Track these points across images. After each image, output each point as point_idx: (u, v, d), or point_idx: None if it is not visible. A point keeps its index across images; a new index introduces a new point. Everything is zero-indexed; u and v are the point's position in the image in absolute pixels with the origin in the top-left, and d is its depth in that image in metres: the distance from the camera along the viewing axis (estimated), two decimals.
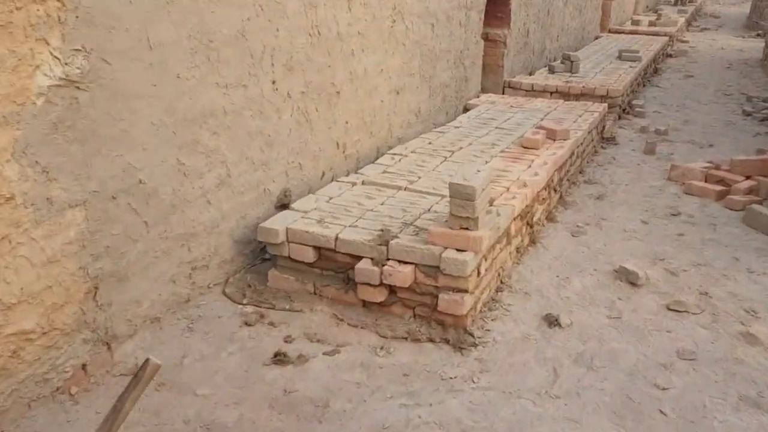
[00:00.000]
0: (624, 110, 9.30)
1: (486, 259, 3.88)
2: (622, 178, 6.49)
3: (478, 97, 8.18)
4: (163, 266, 3.63)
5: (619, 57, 11.40)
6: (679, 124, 8.81)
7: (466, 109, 7.77)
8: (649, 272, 4.46)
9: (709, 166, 6.48)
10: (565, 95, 8.90)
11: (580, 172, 6.65)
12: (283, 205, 4.51)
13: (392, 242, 3.74)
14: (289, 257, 4.02)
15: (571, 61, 9.91)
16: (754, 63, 14.60)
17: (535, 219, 5.00)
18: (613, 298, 4.12)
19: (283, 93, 4.41)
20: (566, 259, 4.66)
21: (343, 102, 5.17)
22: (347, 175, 5.11)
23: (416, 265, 3.71)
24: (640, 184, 6.35)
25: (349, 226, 3.99)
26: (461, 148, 5.78)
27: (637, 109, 9.39)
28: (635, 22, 17.55)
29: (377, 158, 5.65)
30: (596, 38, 14.94)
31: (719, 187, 5.95)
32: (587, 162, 6.96)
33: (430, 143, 5.91)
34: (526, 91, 9.09)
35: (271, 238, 3.96)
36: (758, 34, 19.99)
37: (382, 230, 3.88)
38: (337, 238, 3.86)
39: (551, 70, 10.00)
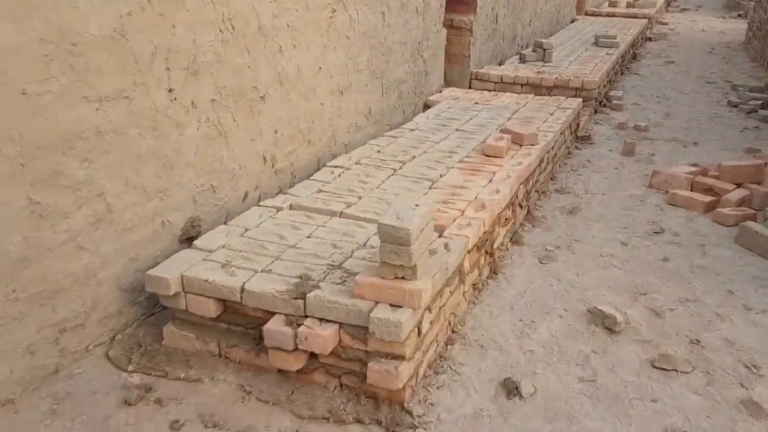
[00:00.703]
0: (600, 103, 8.57)
1: (430, 311, 3.13)
2: (598, 186, 5.76)
3: (440, 92, 7.40)
4: (14, 335, 2.84)
5: (596, 43, 10.66)
6: (660, 118, 8.10)
7: (427, 106, 6.99)
8: (630, 312, 3.74)
9: (694, 172, 5.77)
10: (536, 88, 8.15)
11: (552, 179, 5.91)
12: (190, 238, 3.73)
13: (310, 295, 2.98)
14: (187, 310, 3.24)
15: (544, 49, 9.15)
16: (737, 46, 13.95)
17: (496, 245, 4.25)
18: (587, 351, 3.40)
19: (184, 103, 3.60)
20: (532, 296, 3.92)
21: (269, 108, 4.37)
22: (277, 194, 4.33)
23: (341, 324, 2.96)
24: (619, 193, 5.63)
25: (262, 270, 3.22)
26: (414, 157, 5.02)
27: (615, 101, 8.66)
28: (613, 4, 16.82)
29: (318, 169, 4.88)
30: (572, 21, 14.19)
31: (707, 198, 5.24)
32: (559, 166, 6.23)
33: (379, 151, 5.13)
34: (495, 83, 8.33)
35: (161, 289, 3.18)
36: (739, 15, 19.36)
37: (300, 277, 3.12)
38: (243, 290, 3.08)
39: (522, 59, 9.23)
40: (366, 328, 2.88)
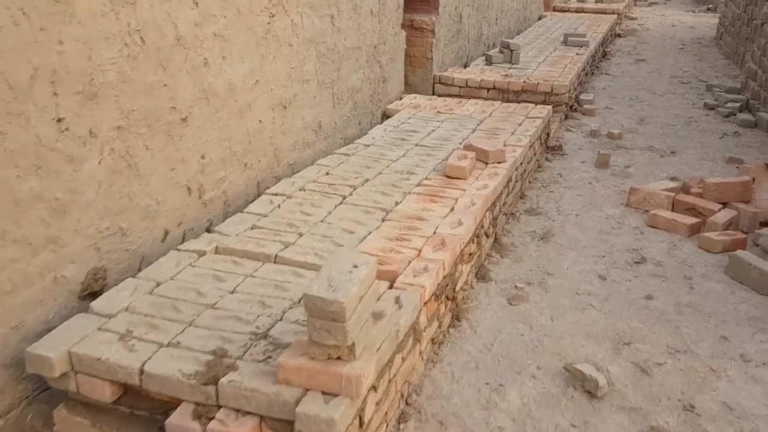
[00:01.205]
0: (571, 107, 8.08)
1: (376, 389, 2.57)
2: (572, 205, 5.25)
3: (400, 99, 6.83)
4: None
5: (565, 42, 10.17)
6: (634, 124, 7.63)
7: (386, 116, 6.42)
8: (613, 369, 3.22)
9: (674, 188, 5.28)
10: (503, 92, 7.62)
11: (521, 197, 5.38)
12: (93, 294, 3.12)
13: (224, 380, 2.40)
14: (79, 392, 2.64)
15: (511, 50, 8.63)
16: (708, 42, 13.59)
17: (459, 286, 3.71)
18: (565, 425, 2.86)
19: (80, 133, 2.98)
20: (501, 349, 3.38)
21: (194, 131, 3.76)
22: (205, 232, 3.74)
23: (262, 418, 2.38)
24: (594, 212, 5.12)
25: (168, 343, 2.63)
26: (367, 180, 4.45)
27: (586, 105, 8.17)
28: None
29: (259, 194, 4.29)
30: (540, 18, 13.71)
31: (691, 220, 4.75)
32: (529, 182, 5.71)
33: (327, 173, 4.56)
34: (460, 87, 7.79)
35: (44, 369, 2.57)
36: (708, 9, 19.09)
37: (214, 353, 2.53)
38: (142, 371, 2.49)
39: (488, 61, 8.70)
40: (293, 423, 2.31)
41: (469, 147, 4.92)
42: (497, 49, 9.05)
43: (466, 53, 8.96)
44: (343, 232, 3.63)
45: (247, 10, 4.10)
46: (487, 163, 4.79)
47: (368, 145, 5.21)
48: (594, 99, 8.46)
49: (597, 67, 10.75)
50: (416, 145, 5.26)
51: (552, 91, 7.51)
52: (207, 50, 3.79)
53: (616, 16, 14.20)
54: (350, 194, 4.20)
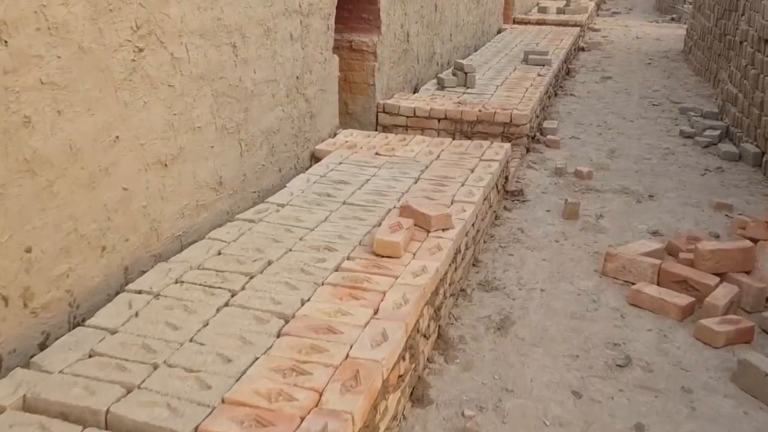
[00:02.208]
0: (533, 138, 7.13)
1: None
2: (536, 275, 4.27)
3: (334, 137, 5.80)
4: None
5: (525, 60, 9.25)
6: (604, 157, 6.71)
7: (315, 158, 5.39)
8: None
9: (658, 250, 4.35)
10: (456, 122, 6.66)
11: (474, 264, 4.39)
12: None
13: None
14: None
15: (465, 73, 7.66)
16: (676, 56, 12.84)
17: (383, 430, 2.67)
18: None
19: None
20: None
21: (9, 216, 2.68)
22: (33, 355, 2.67)
23: None
24: (563, 286, 4.14)
25: None
26: (270, 263, 3.41)
27: (550, 136, 7.24)
28: (542, 10, 15.58)
29: (126, 284, 3.23)
30: (499, 32, 12.83)
31: (683, 299, 3.80)
32: (484, 241, 4.71)
33: (220, 252, 3.51)
34: (407, 116, 6.80)
35: None
36: (672, 19, 18.47)
37: None
38: None
39: (441, 85, 7.73)
40: None
41: (406, 210, 3.90)
42: (450, 71, 8.08)
43: (415, 76, 7.97)
44: (217, 361, 2.58)
45: (97, 45, 3.03)
46: (429, 231, 3.78)
47: (282, 206, 4.17)
48: (558, 127, 7.54)
49: (560, 86, 9.86)
50: (343, 203, 4.23)
51: (511, 121, 6.56)
52: (28, 105, 2.71)
53: (579, 28, 13.39)
54: (242, 288, 3.16)
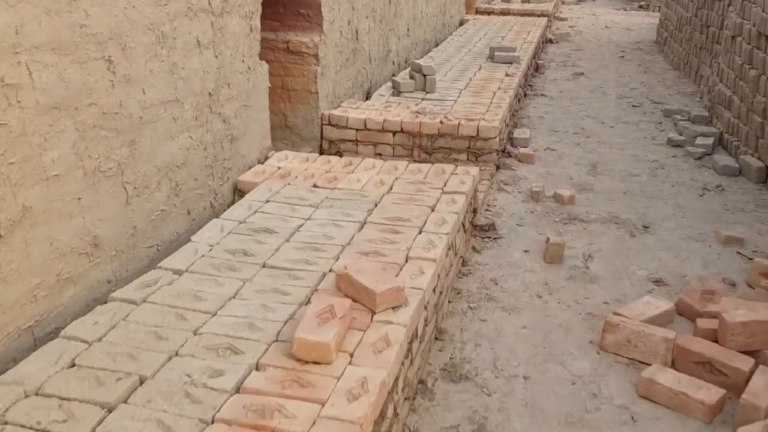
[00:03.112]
0: (503, 151, 6.17)
1: None
2: (516, 353, 3.31)
3: (264, 160, 4.76)
4: None
5: (491, 57, 8.28)
6: (586, 174, 5.78)
7: (239, 192, 4.35)
8: None
9: (668, 312, 3.42)
10: (414, 137, 5.67)
11: (437, 337, 3.40)
12: None
13: None
14: None
15: (424, 75, 6.66)
16: (649, 47, 12.01)
17: None
18: None
19: None
20: None
21: None
22: None
23: None
24: (552, 369, 3.19)
25: None
26: (141, 381, 2.38)
27: (522, 148, 6.29)
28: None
29: None
30: (461, 24, 11.84)
31: (710, 395, 2.88)
32: (450, 301, 3.73)
33: (73, 363, 2.48)
34: (357, 129, 5.78)
35: None
36: (641, 6, 17.70)
37: None
38: None
39: (396, 89, 6.72)
40: None
41: (343, 281, 2.91)
42: (407, 72, 7.08)
43: (367, 78, 6.95)
44: None
45: None
46: (374, 312, 2.79)
47: (180, 273, 3.14)
48: (531, 136, 6.59)
49: (530, 85, 8.92)
50: (263, 265, 3.22)
51: (478, 134, 5.58)
52: None
53: (546, 18, 12.46)
54: (106, 416, 2.13)
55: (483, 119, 5.71)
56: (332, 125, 5.84)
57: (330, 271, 3.17)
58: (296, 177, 4.38)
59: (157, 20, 3.43)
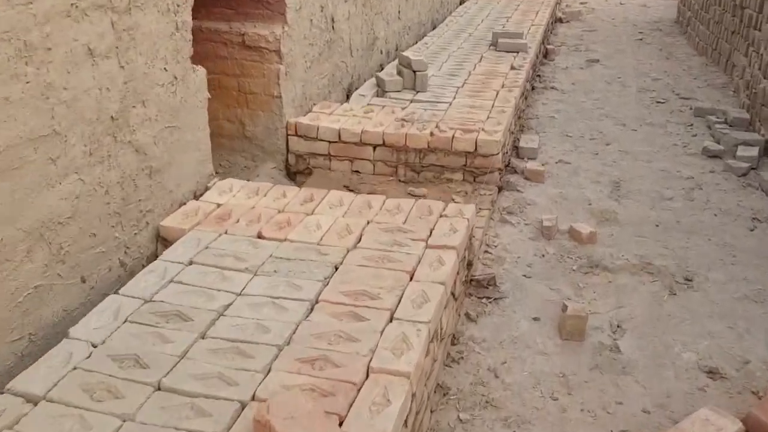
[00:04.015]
0: (508, 165, 5.14)
1: None
2: None
3: (204, 191, 3.73)
4: None
5: (494, 44, 7.19)
6: (606, 197, 4.75)
7: (164, 241, 3.34)
8: None
9: None
10: (399, 152, 4.64)
11: None
12: None
13: None
14: None
15: (414, 71, 5.59)
16: (669, 28, 10.85)
17: None
18: None
19: None
20: None
21: None
22: None
23: None
24: None
25: None
26: None
27: (530, 162, 5.25)
28: None
29: None
30: (462, 1, 10.69)
31: None
32: (431, 411, 2.73)
33: None
34: (330, 142, 4.76)
35: None
36: None
37: None
38: None
39: (381, 88, 5.66)
40: None
41: (278, 418, 1.91)
42: (393, 67, 6.01)
43: (348, 73, 5.89)
44: None
45: None
46: None
47: (36, 402, 2.14)
48: (540, 144, 5.54)
49: (538, 75, 7.83)
50: (157, 386, 2.22)
51: (477, 150, 4.56)
52: None
53: None
54: None
55: (483, 130, 4.67)
56: (300, 136, 4.81)
57: (252, 398, 2.17)
58: (237, 220, 3.36)
59: (16, 25, 2.39)
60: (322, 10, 5.18)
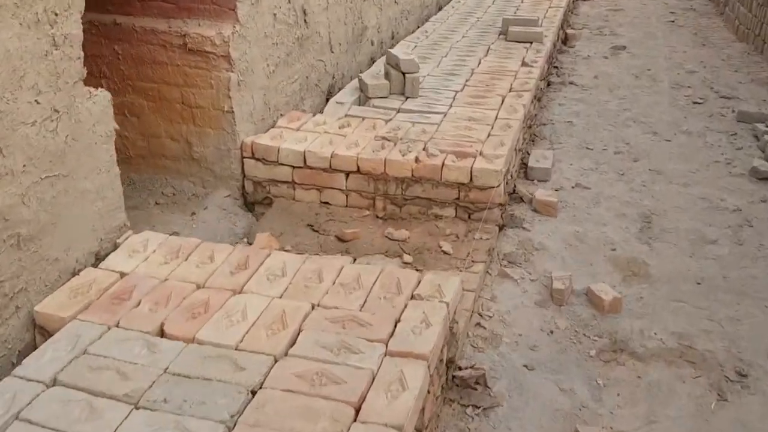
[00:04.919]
0: (513, 193, 4.22)
1: None
2: None
3: (107, 254, 2.87)
4: None
5: (504, 33, 6.21)
6: (634, 239, 3.84)
7: (43, 330, 2.48)
8: None
9: None
10: (376, 180, 3.77)
11: None
12: None
13: None
14: None
15: (403, 74, 4.66)
16: (704, 7, 9.77)
17: None
18: None
19: None
20: None
21: None
22: None
23: None
24: None
25: None
26: None
27: (539, 183, 4.34)
28: None
29: None
30: None
31: None
32: None
33: None
34: (294, 167, 3.87)
35: None
36: None
37: None
38: None
39: (364, 93, 4.74)
40: None
41: None
42: (379, 68, 5.07)
43: (328, 72, 4.98)
44: None
45: None
46: None
47: None
48: (554, 161, 4.62)
49: (555, 67, 6.85)
50: None
51: (472, 181, 3.66)
52: None
53: None
54: None
55: (481, 154, 3.77)
56: (257, 159, 3.92)
57: None
58: (138, 303, 2.51)
59: None
60: (289, 2, 4.26)
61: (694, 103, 5.93)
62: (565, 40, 7.79)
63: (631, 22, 8.84)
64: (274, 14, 4.11)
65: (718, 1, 9.62)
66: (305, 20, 4.52)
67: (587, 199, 4.24)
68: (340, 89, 5.08)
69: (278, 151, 3.87)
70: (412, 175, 3.73)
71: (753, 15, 7.68)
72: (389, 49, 4.85)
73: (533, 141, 5.06)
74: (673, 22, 8.88)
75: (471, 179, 3.66)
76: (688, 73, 6.76)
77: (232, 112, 3.84)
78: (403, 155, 3.78)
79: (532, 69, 5.30)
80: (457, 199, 3.73)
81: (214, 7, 3.75)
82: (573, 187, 4.38)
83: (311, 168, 3.85)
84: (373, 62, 5.76)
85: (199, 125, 3.93)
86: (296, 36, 4.42)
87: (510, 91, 4.82)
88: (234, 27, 3.73)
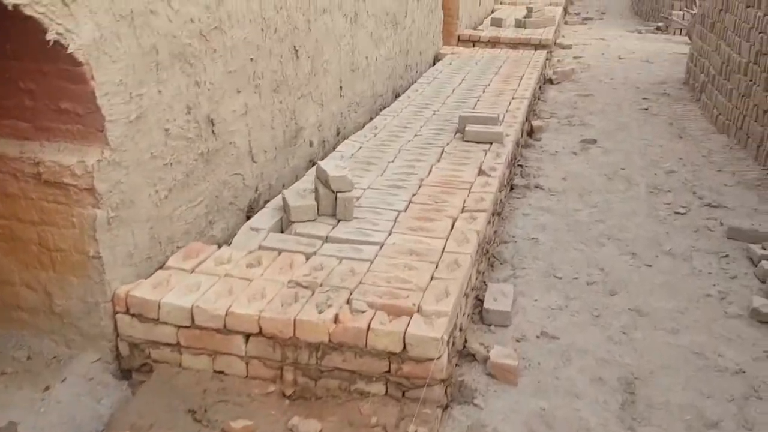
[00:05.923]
0: (462, 349, 3.38)
1: None
2: None
3: None
4: None
5: (461, 131, 5.48)
6: (614, 417, 3.02)
7: None
8: None
9: None
10: (283, 346, 2.93)
11: None
12: None
13: None
14: None
15: (334, 193, 3.87)
16: (678, 91, 9.25)
17: None
18: None
19: None
20: None
21: None
22: None
23: None
24: None
25: None
26: None
27: (495, 329, 3.52)
28: (496, 22, 11.86)
29: None
30: (436, 61, 9.07)
31: None
32: None
33: None
34: (180, 326, 3.01)
35: None
36: (658, 28, 14.90)
37: None
38: None
39: (288, 216, 3.93)
40: None
41: None
42: (308, 182, 4.28)
43: (248, 187, 4.19)
44: None
45: None
46: None
47: None
48: (515, 295, 3.81)
49: (520, 165, 6.13)
50: None
51: (405, 350, 2.82)
52: None
53: (545, 52, 9.66)
54: None
55: (419, 310, 2.94)
56: (133, 315, 3.06)
57: None
58: None
59: None
60: (188, 112, 3.48)
61: (676, 213, 5.21)
62: (530, 132, 7.13)
63: (602, 110, 8.25)
64: (166, 129, 3.32)
65: (693, 85, 9.11)
66: (213, 131, 3.73)
67: (555, 355, 3.41)
68: (267, 202, 4.28)
69: (159, 306, 3.02)
70: (330, 341, 2.89)
71: (734, 106, 7.10)
72: (319, 162, 4.06)
73: (492, 266, 4.27)
74: (646, 110, 8.30)
75: (404, 348, 2.83)
76: (667, 173, 6.08)
77: (99, 257, 3.00)
78: (320, 312, 2.95)
79: (490, 180, 4.54)
80: (388, 372, 2.88)
81: (78, 127, 2.95)
82: (538, 337, 3.56)
83: (201, 328, 3.00)
84: (313, 163, 5.00)
85: (60, 272, 3.08)
86: (199, 151, 3.62)
87: (463, 210, 4.05)
88: (102, 153, 2.92)
